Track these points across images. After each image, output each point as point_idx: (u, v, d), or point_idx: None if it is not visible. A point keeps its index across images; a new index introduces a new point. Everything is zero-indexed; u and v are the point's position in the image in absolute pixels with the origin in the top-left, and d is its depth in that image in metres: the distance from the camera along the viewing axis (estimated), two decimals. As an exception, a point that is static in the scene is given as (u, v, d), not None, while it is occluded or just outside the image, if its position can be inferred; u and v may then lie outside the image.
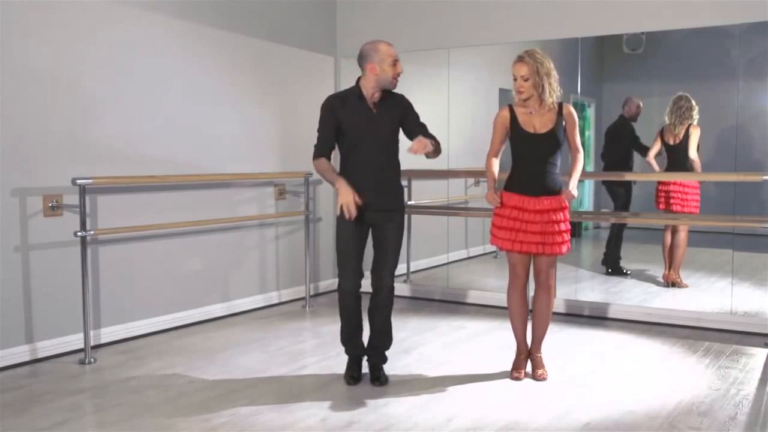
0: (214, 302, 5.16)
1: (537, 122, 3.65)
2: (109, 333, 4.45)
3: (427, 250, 6.40)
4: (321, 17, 6.06)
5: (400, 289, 5.98)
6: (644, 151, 5.71)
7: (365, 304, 3.73)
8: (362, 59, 3.59)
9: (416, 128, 3.66)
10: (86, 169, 4.24)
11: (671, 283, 5.63)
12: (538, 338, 3.84)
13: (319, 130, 3.66)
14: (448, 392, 3.57)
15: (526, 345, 3.85)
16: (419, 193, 6.14)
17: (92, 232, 4.24)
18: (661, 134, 5.58)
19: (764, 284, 5.10)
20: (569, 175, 3.70)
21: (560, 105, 3.68)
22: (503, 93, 6.51)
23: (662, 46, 5.61)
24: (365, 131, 3.58)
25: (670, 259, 5.63)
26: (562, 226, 3.66)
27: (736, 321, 4.74)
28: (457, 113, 5.91)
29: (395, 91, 3.70)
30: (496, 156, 3.78)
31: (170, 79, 4.79)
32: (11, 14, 3.92)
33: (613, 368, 3.97)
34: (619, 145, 5.88)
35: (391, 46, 3.63)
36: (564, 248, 3.68)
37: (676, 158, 5.48)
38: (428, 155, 3.63)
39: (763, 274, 5.24)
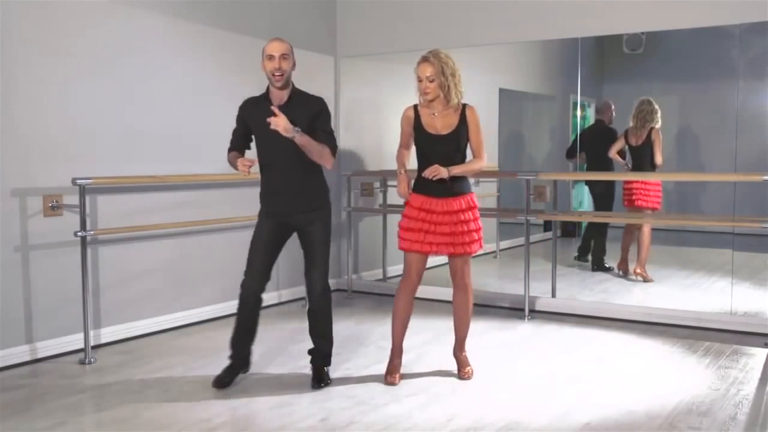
0: (213, 302, 5.15)
1: (439, 123, 3.60)
2: (109, 333, 4.45)
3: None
4: (321, 17, 6.06)
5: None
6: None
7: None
8: None
9: (315, 134, 3.48)
10: (86, 169, 4.24)
11: (624, 272, 5.92)
12: (461, 338, 3.82)
13: (232, 133, 3.72)
14: (448, 392, 3.57)
15: (401, 349, 3.77)
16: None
17: (92, 232, 4.24)
18: (626, 135, 5.84)
19: (764, 284, 5.10)
20: (464, 166, 3.60)
21: (464, 106, 3.63)
22: (503, 93, 6.51)
23: (662, 46, 5.62)
24: (268, 133, 3.41)
25: (627, 253, 5.95)
26: (472, 225, 3.62)
27: (736, 321, 4.73)
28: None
29: (314, 94, 3.61)
30: (406, 149, 3.73)
31: (170, 79, 4.79)
32: (11, 14, 3.92)
33: (613, 368, 3.97)
34: (600, 150, 6.01)
35: (280, 42, 3.47)
36: (475, 247, 3.65)
37: (639, 158, 5.77)
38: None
39: (763, 274, 5.25)
